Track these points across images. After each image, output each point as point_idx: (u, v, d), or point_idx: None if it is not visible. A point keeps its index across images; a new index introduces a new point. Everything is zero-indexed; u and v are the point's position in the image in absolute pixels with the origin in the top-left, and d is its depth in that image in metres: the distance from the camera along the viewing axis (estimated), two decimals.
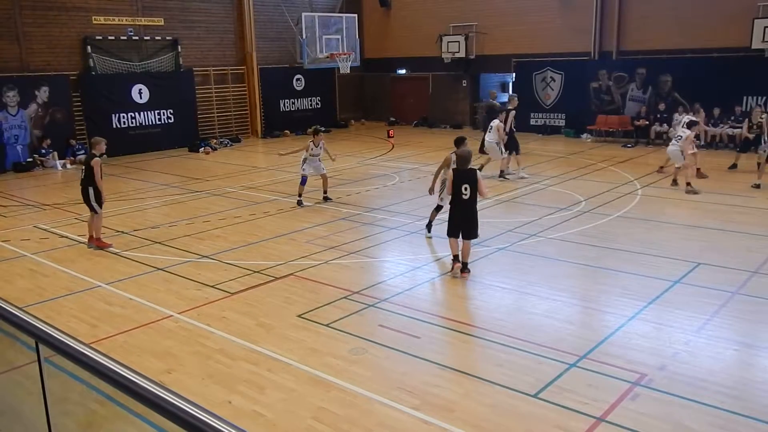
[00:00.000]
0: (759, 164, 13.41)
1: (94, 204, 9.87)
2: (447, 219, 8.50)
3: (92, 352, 1.89)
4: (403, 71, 26.57)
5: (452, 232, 8.36)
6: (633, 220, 10.92)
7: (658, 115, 19.70)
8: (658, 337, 6.44)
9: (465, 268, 8.40)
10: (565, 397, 5.28)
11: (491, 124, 14.67)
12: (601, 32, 21.22)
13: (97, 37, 19.27)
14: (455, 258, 8.45)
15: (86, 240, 10.20)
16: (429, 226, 10.32)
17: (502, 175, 14.71)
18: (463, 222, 8.24)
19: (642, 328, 6.65)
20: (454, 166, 8.55)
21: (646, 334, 6.49)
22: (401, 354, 6.20)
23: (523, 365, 5.91)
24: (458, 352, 6.23)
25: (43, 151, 17.99)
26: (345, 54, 22.33)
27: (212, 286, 8.20)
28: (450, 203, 8.47)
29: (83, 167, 10.09)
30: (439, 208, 10.12)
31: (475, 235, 8.37)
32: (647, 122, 19.79)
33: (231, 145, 22.01)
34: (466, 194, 8.12)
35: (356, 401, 5.35)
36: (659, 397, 5.28)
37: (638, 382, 5.52)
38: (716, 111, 18.56)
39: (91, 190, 9.83)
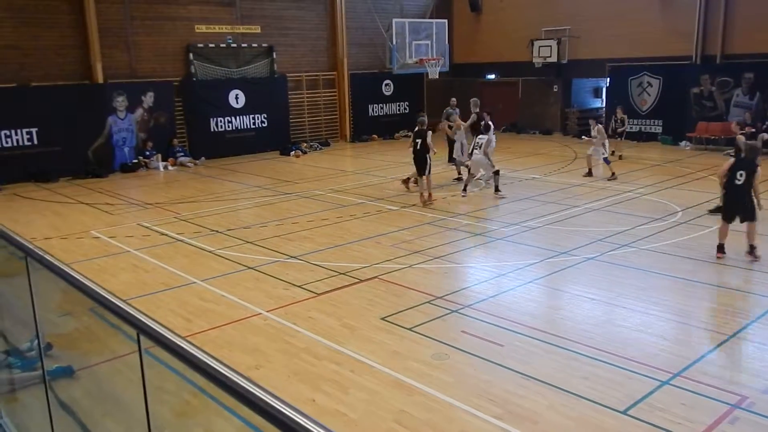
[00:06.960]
0: None
1: (429, 168, 12.96)
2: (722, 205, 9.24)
3: (188, 345, 1.98)
4: (493, 76, 26.27)
5: (728, 217, 8.99)
6: (734, 233, 10.28)
7: (766, 122, 18.48)
8: (763, 358, 6.05)
9: (752, 251, 8.89)
10: (656, 416, 5.06)
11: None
12: (704, 35, 20.14)
13: (199, 45, 20.23)
14: (721, 247, 8.97)
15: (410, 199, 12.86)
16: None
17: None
18: (738, 206, 8.88)
19: (744, 347, 6.27)
20: (733, 155, 9.32)
21: (748, 354, 6.11)
22: (484, 361, 6.13)
23: (611, 380, 5.70)
24: (543, 363, 6.08)
25: (147, 153, 19.07)
26: (434, 59, 22.32)
27: (299, 286, 8.41)
28: (725, 188, 9.07)
29: (415, 141, 12.97)
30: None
31: (753, 218, 8.85)
32: (753, 129, 18.56)
33: (320, 148, 22.50)
34: (740, 180, 8.72)
35: (438, 406, 5.34)
36: (762, 422, 4.95)
37: (738, 404, 5.21)
38: None
39: (428, 158, 12.84)
